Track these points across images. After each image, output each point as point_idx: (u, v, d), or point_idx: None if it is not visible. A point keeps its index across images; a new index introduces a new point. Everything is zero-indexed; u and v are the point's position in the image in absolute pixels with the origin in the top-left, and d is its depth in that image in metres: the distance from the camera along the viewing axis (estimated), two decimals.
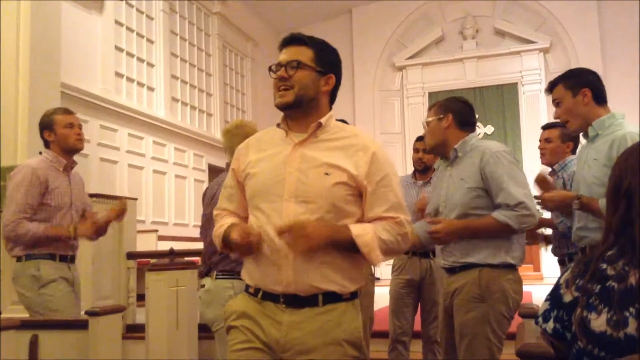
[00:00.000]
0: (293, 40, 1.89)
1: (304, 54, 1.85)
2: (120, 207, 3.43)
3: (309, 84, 1.83)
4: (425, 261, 3.73)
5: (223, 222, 1.90)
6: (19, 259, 3.19)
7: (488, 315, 2.52)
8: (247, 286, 1.85)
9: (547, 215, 3.40)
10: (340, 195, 1.76)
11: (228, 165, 2.70)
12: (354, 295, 1.82)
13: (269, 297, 1.78)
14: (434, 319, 3.72)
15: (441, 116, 2.72)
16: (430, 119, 2.76)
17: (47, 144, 3.33)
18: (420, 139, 4.00)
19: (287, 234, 1.68)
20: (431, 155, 3.88)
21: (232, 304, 1.89)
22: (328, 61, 1.88)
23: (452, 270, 2.67)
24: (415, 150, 3.98)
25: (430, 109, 2.84)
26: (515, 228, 2.49)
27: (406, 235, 1.83)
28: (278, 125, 1.89)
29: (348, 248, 1.75)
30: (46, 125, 3.30)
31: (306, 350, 1.72)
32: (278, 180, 1.78)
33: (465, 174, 2.62)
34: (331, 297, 1.76)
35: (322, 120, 1.83)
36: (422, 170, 3.95)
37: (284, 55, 1.86)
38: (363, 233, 1.75)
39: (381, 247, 1.77)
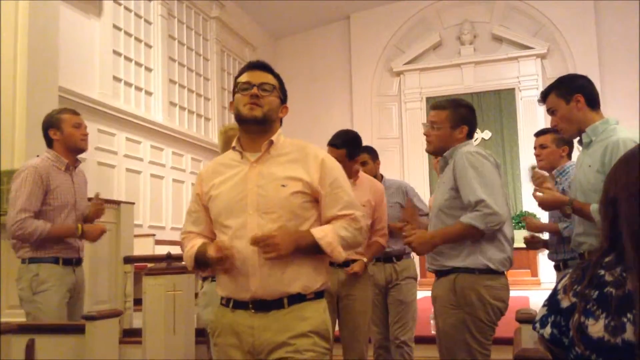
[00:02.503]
0: (262, 66, 2.07)
1: (273, 81, 2.05)
2: (96, 206, 3.45)
3: (275, 109, 2.03)
4: (389, 266, 3.79)
5: (193, 243, 2.04)
6: (23, 260, 3.20)
7: (465, 321, 2.56)
8: (222, 298, 2.03)
9: (545, 218, 3.46)
10: (298, 203, 1.94)
11: None
12: (318, 295, 1.98)
13: (239, 305, 1.95)
14: (399, 319, 3.74)
15: (454, 125, 2.74)
16: (440, 125, 2.77)
17: (49, 143, 3.33)
18: (364, 149, 3.80)
19: (259, 244, 1.85)
20: (373, 165, 3.90)
21: (212, 319, 2.07)
22: (285, 92, 2.11)
23: (436, 274, 2.73)
24: (363, 163, 3.81)
25: (435, 108, 2.83)
26: (481, 228, 2.49)
27: (362, 229, 2.03)
28: (234, 148, 2.05)
29: (312, 250, 1.92)
30: (52, 124, 3.30)
31: (279, 346, 1.87)
32: (240, 197, 1.95)
33: (445, 177, 2.71)
34: (296, 299, 1.92)
35: (273, 137, 2.02)
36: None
37: (253, 77, 2.02)
38: (324, 235, 1.93)
39: (342, 244, 1.95)
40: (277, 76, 2.08)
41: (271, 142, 2.01)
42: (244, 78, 2.03)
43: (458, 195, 2.61)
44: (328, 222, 1.99)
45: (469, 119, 2.77)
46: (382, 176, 4.00)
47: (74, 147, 3.33)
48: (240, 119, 2.01)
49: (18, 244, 3.20)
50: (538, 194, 2.70)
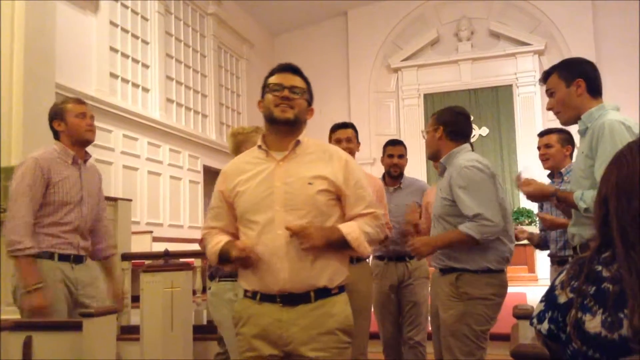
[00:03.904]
0: (292, 69, 2.15)
1: (302, 85, 2.13)
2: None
3: (304, 111, 2.12)
4: (401, 265, 3.77)
5: (217, 240, 2.12)
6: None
7: (465, 313, 2.64)
8: (246, 291, 2.09)
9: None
10: (323, 201, 2.03)
11: None
12: (341, 289, 2.08)
13: (267, 298, 2.02)
14: (413, 320, 3.74)
15: (434, 127, 2.88)
16: (427, 130, 2.94)
17: (56, 135, 3.16)
18: (393, 143, 4.01)
19: (295, 235, 1.95)
20: (405, 160, 3.96)
21: (237, 310, 2.13)
22: (312, 95, 2.19)
23: (439, 271, 2.84)
24: (389, 155, 3.91)
25: (430, 118, 3.00)
26: (477, 238, 2.60)
27: (383, 226, 2.16)
28: (259, 146, 2.13)
29: (340, 245, 2.02)
30: (56, 115, 3.13)
31: (305, 342, 1.96)
32: (267, 194, 2.03)
33: (442, 184, 2.81)
34: (322, 293, 2.01)
35: (300, 138, 2.11)
36: (397, 176, 3.92)
37: (284, 80, 2.10)
38: (351, 231, 2.03)
39: (367, 240, 2.07)
40: (305, 79, 2.16)
41: (298, 142, 2.10)
42: (275, 79, 2.11)
43: (454, 204, 2.71)
44: (351, 219, 2.09)
45: (446, 121, 2.86)
46: (402, 174, 3.99)
47: (79, 139, 3.14)
48: (271, 119, 2.09)
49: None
50: (524, 188, 2.70)
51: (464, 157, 2.77)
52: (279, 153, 2.09)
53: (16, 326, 2.85)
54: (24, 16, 5.63)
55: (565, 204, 2.52)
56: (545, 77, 2.62)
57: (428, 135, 2.93)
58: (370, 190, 2.17)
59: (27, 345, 2.85)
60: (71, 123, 3.11)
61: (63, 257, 3.09)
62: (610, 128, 2.30)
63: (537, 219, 3.59)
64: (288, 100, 2.06)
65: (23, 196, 2.96)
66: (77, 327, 2.84)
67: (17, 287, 3.03)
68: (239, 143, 3.06)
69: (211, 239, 2.16)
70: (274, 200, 2.02)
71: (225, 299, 2.95)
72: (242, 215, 2.09)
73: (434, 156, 2.97)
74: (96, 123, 3.33)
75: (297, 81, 2.12)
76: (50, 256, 3.05)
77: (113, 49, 8.21)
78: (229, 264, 2.11)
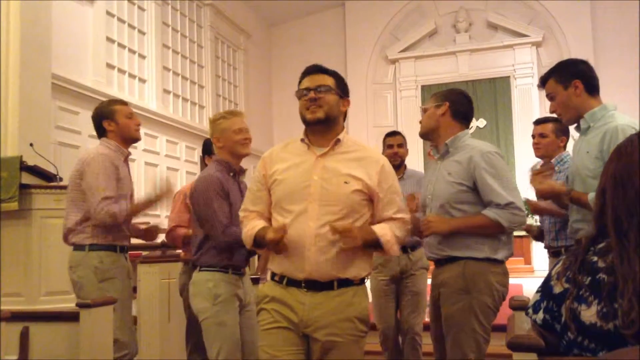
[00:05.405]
0: (316, 70, 2.27)
1: (329, 81, 2.23)
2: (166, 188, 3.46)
3: (335, 105, 2.21)
4: (403, 256, 3.77)
5: (254, 224, 2.24)
6: (79, 247, 3.12)
7: (473, 306, 2.54)
8: (273, 274, 2.22)
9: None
10: (356, 200, 2.15)
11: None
12: (362, 281, 2.21)
13: (293, 283, 2.15)
14: (413, 310, 3.75)
15: (438, 103, 2.76)
16: (428, 105, 2.83)
17: (103, 134, 3.33)
18: (391, 134, 4.10)
19: (338, 232, 2.05)
20: (405, 150, 3.99)
21: (263, 289, 2.26)
22: (344, 87, 2.29)
23: (439, 262, 2.70)
24: (389, 146, 3.99)
25: (431, 97, 2.89)
26: (505, 226, 2.51)
27: (409, 230, 2.36)
28: (302, 140, 2.24)
29: (373, 245, 2.17)
30: (106, 115, 3.31)
31: (324, 326, 2.10)
32: (304, 186, 2.15)
33: (452, 169, 2.65)
34: (344, 282, 2.14)
35: (340, 136, 2.23)
36: (397, 166, 3.93)
37: (310, 82, 2.22)
38: (384, 233, 2.17)
39: (397, 242, 2.23)
40: (333, 74, 2.26)
41: (338, 141, 2.21)
42: (303, 85, 2.23)
43: (470, 190, 2.59)
44: (381, 221, 2.22)
45: (453, 99, 2.76)
46: (405, 166, 4.03)
47: (130, 137, 3.38)
48: (304, 122, 2.22)
49: (79, 229, 3.12)
50: (537, 185, 2.68)
51: (478, 142, 2.70)
52: (320, 149, 2.21)
53: (13, 317, 2.85)
54: (19, 7, 5.61)
55: (577, 204, 2.54)
56: (543, 82, 2.68)
57: (428, 110, 2.80)
58: (402, 196, 2.29)
59: (24, 336, 2.86)
60: (122, 123, 3.34)
61: (123, 249, 3.27)
62: (624, 134, 2.34)
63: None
64: (315, 101, 2.16)
65: (104, 186, 3.10)
66: (74, 317, 2.84)
67: (86, 278, 3.09)
68: (213, 128, 3.14)
69: (247, 222, 2.27)
70: (310, 193, 2.13)
71: (204, 289, 2.91)
72: (277, 203, 2.20)
73: (429, 134, 2.82)
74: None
75: (323, 79, 2.21)
76: (114, 249, 3.19)
77: (109, 40, 8.16)
78: (262, 247, 2.22)
